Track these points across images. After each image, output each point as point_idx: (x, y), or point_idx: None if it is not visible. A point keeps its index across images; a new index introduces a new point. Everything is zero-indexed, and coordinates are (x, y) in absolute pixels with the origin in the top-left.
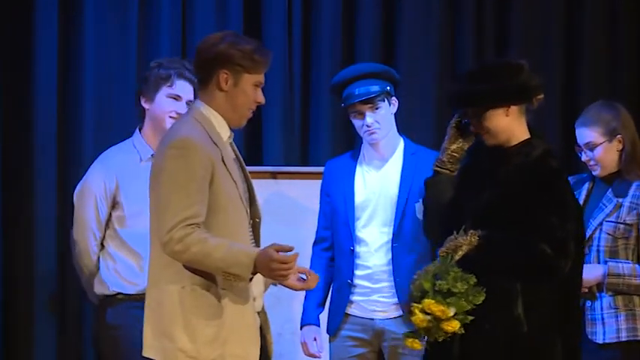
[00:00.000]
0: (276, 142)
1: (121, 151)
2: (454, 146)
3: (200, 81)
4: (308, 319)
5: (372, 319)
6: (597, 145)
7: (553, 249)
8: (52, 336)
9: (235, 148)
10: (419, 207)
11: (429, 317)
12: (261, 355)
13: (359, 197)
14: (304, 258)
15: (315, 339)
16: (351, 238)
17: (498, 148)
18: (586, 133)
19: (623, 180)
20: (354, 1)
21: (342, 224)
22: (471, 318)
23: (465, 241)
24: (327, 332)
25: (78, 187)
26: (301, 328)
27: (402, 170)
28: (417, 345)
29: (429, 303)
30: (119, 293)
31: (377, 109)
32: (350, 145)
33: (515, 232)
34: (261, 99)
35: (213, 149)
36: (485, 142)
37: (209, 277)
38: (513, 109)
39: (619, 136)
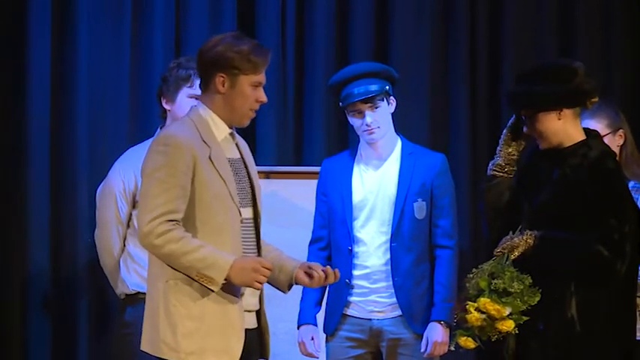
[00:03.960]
0: (270, 142)
1: (141, 150)
2: (510, 149)
3: (201, 83)
4: (305, 319)
5: (370, 319)
6: (602, 136)
7: (609, 251)
8: (46, 336)
9: (242, 147)
10: (418, 207)
11: (483, 316)
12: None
13: (357, 196)
14: (299, 258)
15: (312, 338)
16: (349, 238)
17: (554, 150)
18: (591, 125)
19: None
20: (347, 1)
21: (339, 223)
22: (525, 318)
23: (521, 241)
24: (324, 332)
25: (99, 188)
26: (298, 328)
27: (400, 170)
28: (470, 343)
29: (484, 302)
30: (139, 292)
31: (376, 108)
32: (344, 144)
33: (571, 233)
34: (263, 98)
35: (202, 147)
36: (539, 144)
37: None
38: (566, 112)
39: (621, 130)
